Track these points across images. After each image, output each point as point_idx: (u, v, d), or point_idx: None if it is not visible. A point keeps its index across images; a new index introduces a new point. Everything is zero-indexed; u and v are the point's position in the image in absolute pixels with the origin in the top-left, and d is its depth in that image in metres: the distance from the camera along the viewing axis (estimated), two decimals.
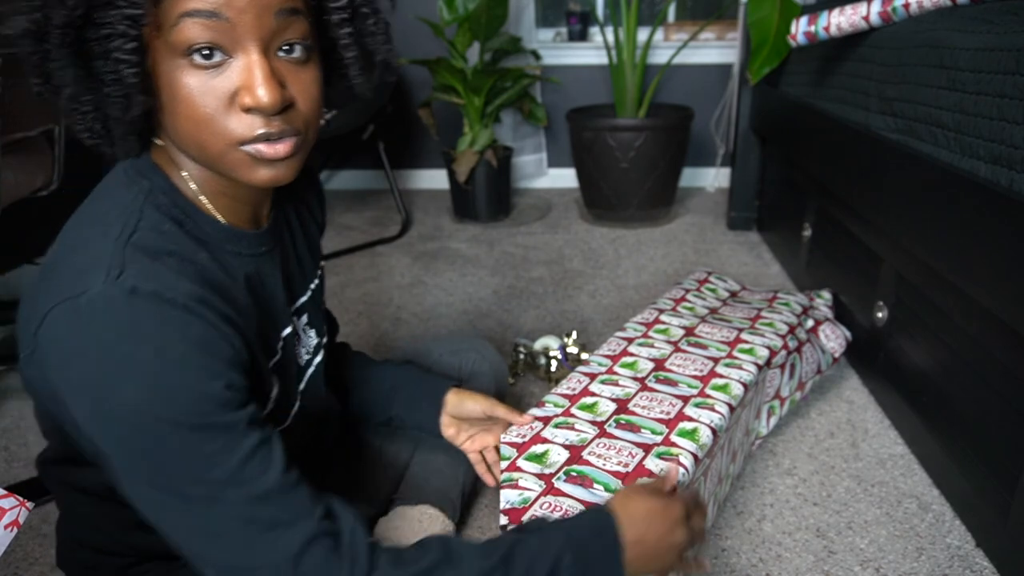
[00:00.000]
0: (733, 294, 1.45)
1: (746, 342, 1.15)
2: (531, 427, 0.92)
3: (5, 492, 0.48)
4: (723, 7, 2.69)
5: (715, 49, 2.82)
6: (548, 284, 2.05)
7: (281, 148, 0.57)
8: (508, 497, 0.82)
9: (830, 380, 1.48)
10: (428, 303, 1.94)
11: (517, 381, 1.51)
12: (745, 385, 1.03)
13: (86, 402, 0.53)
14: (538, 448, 0.89)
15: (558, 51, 2.91)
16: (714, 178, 3.02)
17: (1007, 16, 1.00)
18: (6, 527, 0.46)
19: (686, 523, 0.69)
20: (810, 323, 1.36)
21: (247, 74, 0.54)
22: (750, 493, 1.16)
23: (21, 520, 0.47)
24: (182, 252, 0.58)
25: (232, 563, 0.55)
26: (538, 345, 1.53)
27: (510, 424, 0.94)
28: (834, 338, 1.39)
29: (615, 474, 0.83)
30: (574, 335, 1.54)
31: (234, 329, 0.58)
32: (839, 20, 1.42)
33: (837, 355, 1.38)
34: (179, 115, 0.55)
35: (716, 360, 1.09)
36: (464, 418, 0.95)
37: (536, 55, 2.72)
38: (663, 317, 1.25)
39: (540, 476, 0.84)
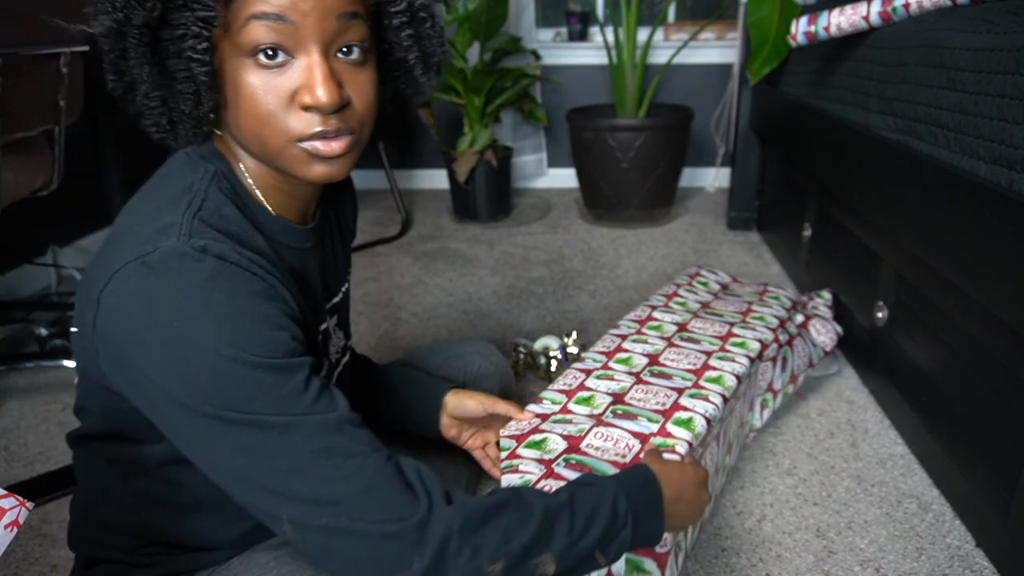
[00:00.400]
0: (724, 287, 1.48)
1: (738, 336, 1.17)
2: (529, 423, 0.93)
3: (5, 492, 0.48)
4: (723, 7, 2.69)
5: (715, 49, 2.83)
6: (548, 284, 2.05)
7: (336, 146, 0.59)
8: (509, 481, 0.83)
9: (830, 380, 1.48)
10: (428, 303, 1.94)
11: (517, 381, 1.51)
12: (738, 377, 1.04)
13: (160, 350, 0.54)
14: (536, 436, 0.90)
15: (558, 51, 2.91)
16: (714, 178, 3.02)
17: (1007, 16, 1.00)
18: (6, 527, 0.46)
19: (707, 487, 0.78)
20: (800, 318, 1.39)
21: (308, 74, 0.57)
22: (750, 493, 1.16)
23: (21, 520, 0.47)
24: (241, 233, 0.60)
25: (315, 495, 0.56)
26: (538, 345, 1.53)
27: (511, 419, 0.95)
28: (824, 332, 1.41)
29: (613, 463, 0.84)
30: (574, 335, 1.55)
31: (291, 296, 0.61)
32: (839, 20, 1.42)
33: (828, 348, 1.40)
34: (242, 111, 0.58)
35: (709, 354, 1.10)
36: (465, 418, 0.95)
37: (536, 55, 2.72)
38: (656, 314, 1.26)
39: (540, 461, 0.85)
